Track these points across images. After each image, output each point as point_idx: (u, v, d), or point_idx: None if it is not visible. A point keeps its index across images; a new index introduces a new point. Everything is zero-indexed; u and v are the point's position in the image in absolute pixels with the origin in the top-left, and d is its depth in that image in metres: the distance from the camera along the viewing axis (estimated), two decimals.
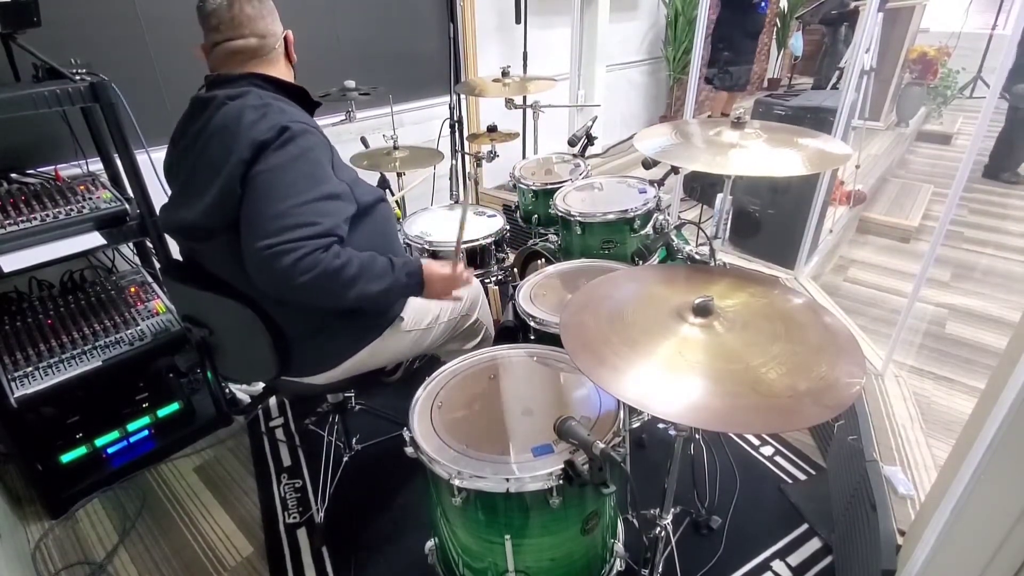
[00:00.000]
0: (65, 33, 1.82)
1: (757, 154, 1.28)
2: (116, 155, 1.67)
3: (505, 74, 2.44)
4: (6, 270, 1.45)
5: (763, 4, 4.25)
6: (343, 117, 2.48)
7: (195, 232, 1.19)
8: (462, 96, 3.04)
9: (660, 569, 1.29)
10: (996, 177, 4.11)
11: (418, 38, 3.00)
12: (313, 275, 1.02)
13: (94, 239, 1.61)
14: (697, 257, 1.68)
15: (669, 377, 0.87)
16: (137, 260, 2.08)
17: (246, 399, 2.09)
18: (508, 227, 2.04)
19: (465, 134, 3.01)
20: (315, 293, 1.06)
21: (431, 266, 1.24)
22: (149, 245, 1.90)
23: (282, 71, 1.24)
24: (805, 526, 1.57)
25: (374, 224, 1.27)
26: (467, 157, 3.01)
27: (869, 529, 1.29)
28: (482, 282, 1.82)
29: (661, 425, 1.81)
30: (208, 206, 1.11)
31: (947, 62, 4.92)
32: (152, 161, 1.74)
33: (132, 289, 1.90)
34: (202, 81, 1.21)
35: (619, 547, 1.20)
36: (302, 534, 1.62)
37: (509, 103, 2.67)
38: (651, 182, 1.84)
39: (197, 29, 1.19)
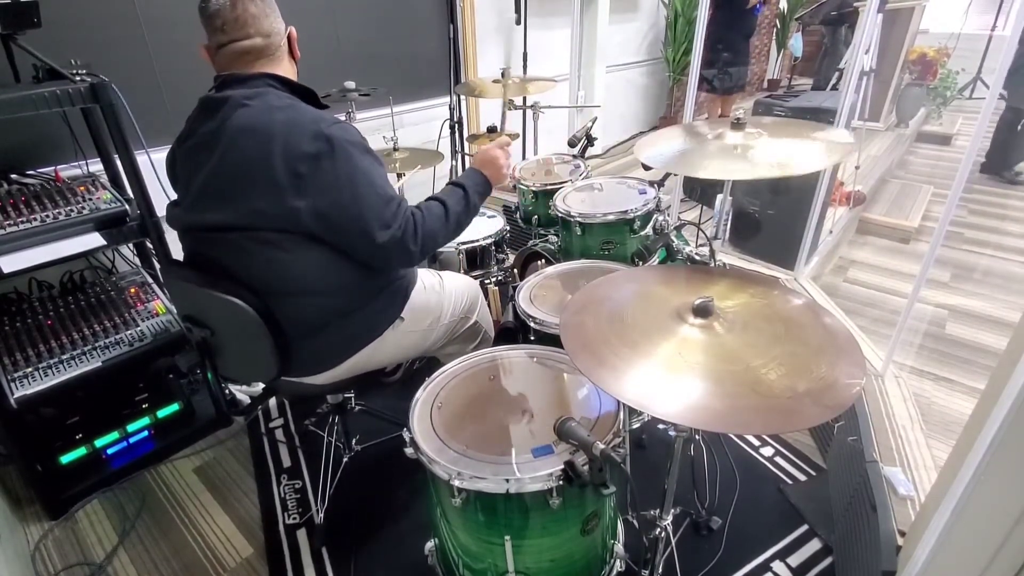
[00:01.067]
0: (65, 34, 1.82)
1: (766, 154, 1.27)
2: (116, 156, 1.68)
3: (505, 75, 2.45)
4: (6, 271, 1.45)
5: (758, 6, 4.27)
6: (343, 118, 2.48)
7: (221, 228, 1.16)
8: (462, 97, 3.04)
9: (660, 570, 1.29)
10: (996, 173, 4.12)
11: (418, 39, 3.00)
12: (426, 229, 1.18)
13: (94, 240, 1.61)
14: (697, 258, 1.68)
15: (669, 378, 0.86)
16: (137, 261, 2.08)
17: (246, 400, 2.09)
18: (508, 228, 2.05)
19: (465, 135, 3.01)
20: (430, 241, 1.21)
21: (477, 155, 1.38)
22: (149, 246, 1.90)
23: (287, 69, 1.24)
24: (805, 527, 1.57)
25: None
26: (467, 158, 3.01)
27: (869, 530, 1.29)
28: (482, 283, 1.82)
29: (661, 426, 1.81)
30: (252, 211, 1.11)
31: (947, 63, 4.93)
32: (152, 162, 1.74)
33: (132, 290, 1.90)
34: (203, 81, 1.21)
35: (619, 548, 1.20)
36: (302, 535, 1.62)
37: (509, 104, 2.67)
38: (651, 183, 1.84)
39: (198, 29, 1.18)
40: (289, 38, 1.24)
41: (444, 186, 1.32)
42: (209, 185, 1.17)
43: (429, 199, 1.27)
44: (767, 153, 1.26)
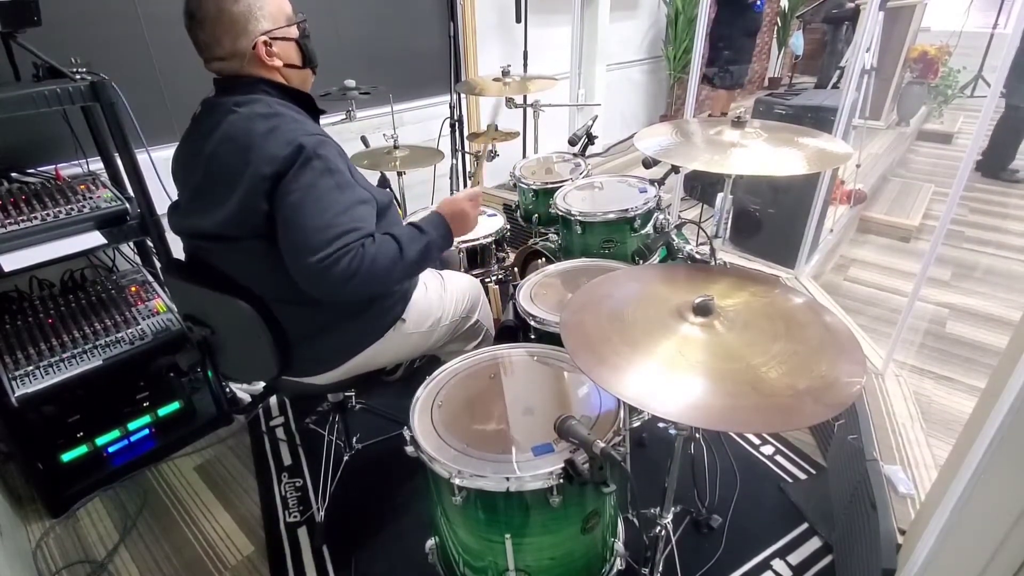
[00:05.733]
0: (65, 32, 1.82)
1: (758, 153, 1.29)
2: (116, 154, 1.67)
3: (505, 73, 2.44)
4: (7, 269, 1.45)
5: (759, 3, 4.26)
6: (343, 116, 2.48)
7: (211, 237, 1.18)
8: (462, 95, 3.04)
9: (660, 568, 1.29)
10: (993, 175, 4.10)
11: (418, 37, 2.99)
12: (364, 270, 1.07)
13: (95, 238, 1.61)
14: (697, 256, 1.68)
15: (669, 376, 0.86)
16: (138, 259, 2.08)
17: (246, 398, 2.10)
18: (508, 226, 2.04)
19: (465, 133, 3.01)
20: (369, 285, 1.10)
21: (447, 204, 1.29)
22: (149, 244, 1.90)
23: (278, 75, 1.20)
24: (805, 525, 1.57)
25: (387, 227, 1.28)
26: (467, 156, 3.01)
27: (869, 528, 1.29)
28: (482, 281, 1.82)
29: (661, 424, 1.81)
30: (228, 218, 1.11)
31: (948, 61, 4.92)
32: (152, 160, 1.74)
33: (132, 288, 1.90)
34: (203, 79, 1.21)
35: (619, 546, 1.20)
36: (303, 533, 1.62)
37: (509, 102, 2.67)
38: (651, 181, 1.84)
39: None
40: (259, 51, 1.14)
41: (406, 226, 1.21)
42: (196, 191, 1.19)
43: (386, 234, 1.15)
44: (764, 152, 1.26)
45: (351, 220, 1.08)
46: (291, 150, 1.06)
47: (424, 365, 2.07)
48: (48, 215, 1.56)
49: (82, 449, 1.75)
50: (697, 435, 1.65)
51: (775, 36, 6.39)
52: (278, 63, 1.18)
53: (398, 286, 1.34)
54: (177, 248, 1.38)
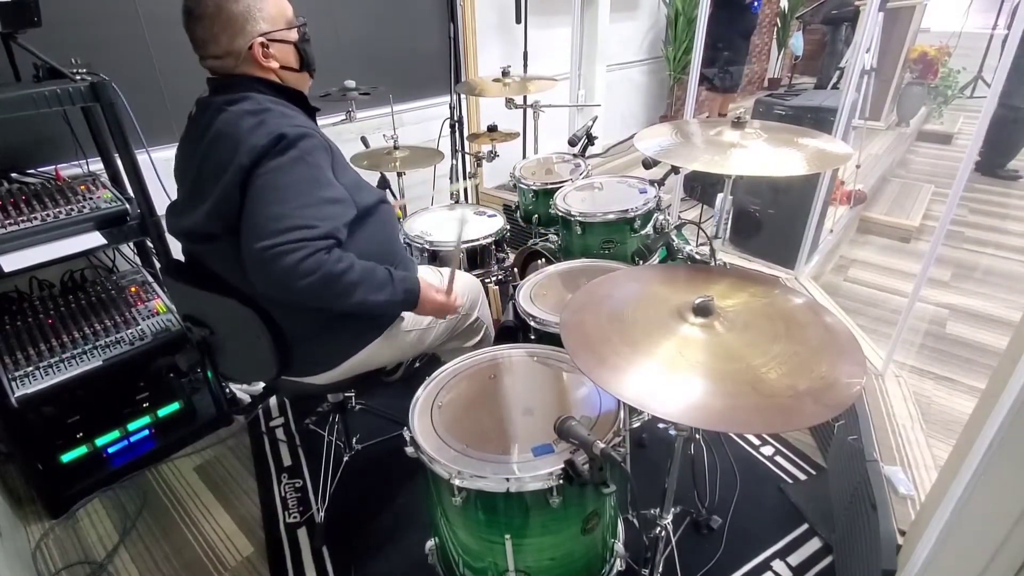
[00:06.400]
0: (65, 33, 1.82)
1: (757, 154, 1.29)
2: (116, 155, 1.67)
3: (505, 74, 2.44)
4: (7, 270, 1.45)
5: (755, 4, 4.27)
6: (343, 117, 2.49)
7: (199, 236, 1.19)
8: (462, 96, 3.04)
9: (660, 569, 1.29)
10: (991, 172, 4.10)
11: (418, 37, 2.99)
12: (315, 278, 1.04)
13: (94, 239, 1.61)
14: (697, 257, 1.68)
15: (669, 377, 0.86)
16: (137, 260, 2.08)
17: (246, 399, 2.10)
18: (508, 227, 2.04)
19: (465, 134, 3.01)
20: (316, 295, 1.07)
21: (427, 288, 1.26)
22: (149, 245, 1.90)
23: (274, 76, 1.20)
24: (805, 526, 1.57)
25: (376, 225, 1.28)
26: (467, 157, 3.01)
27: (869, 529, 1.29)
28: (482, 282, 1.82)
29: (661, 425, 1.81)
30: (207, 212, 1.11)
31: (948, 62, 4.92)
32: (152, 161, 1.74)
33: (132, 289, 1.90)
34: (203, 79, 1.21)
35: (619, 547, 1.20)
36: (302, 534, 1.62)
37: (509, 103, 2.67)
38: (651, 182, 1.84)
39: None
40: (255, 52, 1.15)
41: (384, 271, 1.18)
42: (190, 191, 1.19)
43: (378, 267, 1.16)
44: (764, 152, 1.26)
45: (312, 216, 1.05)
46: (270, 139, 1.06)
47: (424, 366, 2.07)
48: (48, 215, 1.56)
49: (82, 450, 1.75)
50: (697, 436, 1.65)
51: (775, 37, 6.39)
52: (274, 65, 1.19)
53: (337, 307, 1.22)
54: (177, 249, 1.38)
